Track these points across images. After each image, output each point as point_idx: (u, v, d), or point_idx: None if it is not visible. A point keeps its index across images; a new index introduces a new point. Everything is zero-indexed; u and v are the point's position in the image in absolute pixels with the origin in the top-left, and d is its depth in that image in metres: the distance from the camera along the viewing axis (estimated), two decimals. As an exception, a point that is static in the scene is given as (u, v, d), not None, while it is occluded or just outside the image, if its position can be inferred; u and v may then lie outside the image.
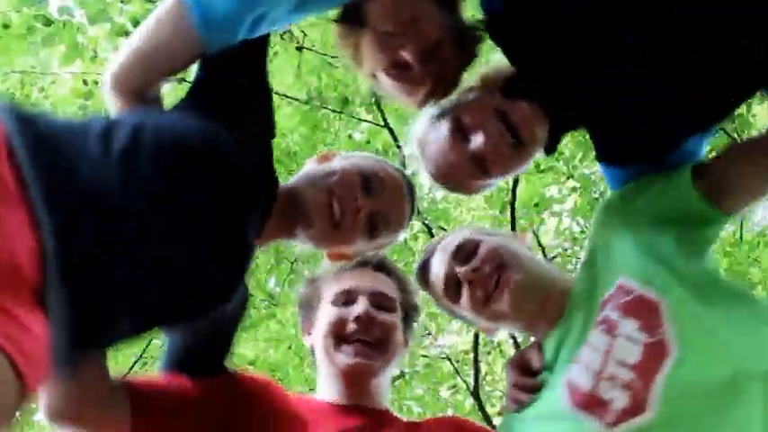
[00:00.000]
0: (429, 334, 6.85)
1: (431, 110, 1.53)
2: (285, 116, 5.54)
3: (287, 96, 5.52)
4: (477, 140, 1.42)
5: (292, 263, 5.78)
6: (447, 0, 1.48)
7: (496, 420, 6.12)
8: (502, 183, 6.03)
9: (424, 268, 1.59)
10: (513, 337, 6.16)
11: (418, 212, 5.94)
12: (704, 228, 1.45)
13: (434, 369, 6.92)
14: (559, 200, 6.13)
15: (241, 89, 1.33)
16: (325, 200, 1.40)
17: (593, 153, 1.63)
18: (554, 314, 1.46)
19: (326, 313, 1.58)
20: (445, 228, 6.17)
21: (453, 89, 1.51)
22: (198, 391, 1.38)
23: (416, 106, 1.51)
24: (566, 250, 6.07)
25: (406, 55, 1.40)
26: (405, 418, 1.61)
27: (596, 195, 6.03)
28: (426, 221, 6.08)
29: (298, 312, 1.76)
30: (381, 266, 1.66)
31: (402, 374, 6.81)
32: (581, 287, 1.48)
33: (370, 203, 1.44)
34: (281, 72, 5.50)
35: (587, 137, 1.63)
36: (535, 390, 1.43)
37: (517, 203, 5.78)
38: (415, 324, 1.69)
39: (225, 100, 1.30)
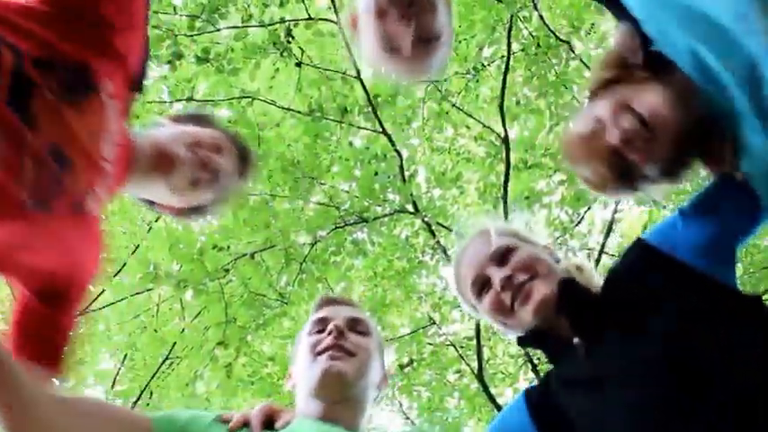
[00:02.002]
0: (434, 323, 7.19)
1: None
2: (289, 128, 5.91)
3: (289, 109, 5.85)
4: (486, 300, 1.50)
5: (302, 263, 6.10)
6: (674, 168, 1.47)
7: (501, 401, 6.47)
8: (494, 179, 6.42)
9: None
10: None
11: (416, 210, 6.27)
12: None
13: (440, 356, 7.25)
14: (548, 192, 6.47)
15: None
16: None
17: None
18: (338, 414, 1.42)
19: None
20: (443, 224, 6.48)
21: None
22: None
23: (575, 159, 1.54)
24: (557, 238, 6.42)
25: (614, 135, 1.40)
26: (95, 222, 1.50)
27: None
28: (426, 219, 6.36)
29: None
30: None
31: (411, 362, 7.16)
32: None
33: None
34: (283, 87, 5.87)
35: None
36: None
37: (509, 198, 6.14)
38: None
39: None
